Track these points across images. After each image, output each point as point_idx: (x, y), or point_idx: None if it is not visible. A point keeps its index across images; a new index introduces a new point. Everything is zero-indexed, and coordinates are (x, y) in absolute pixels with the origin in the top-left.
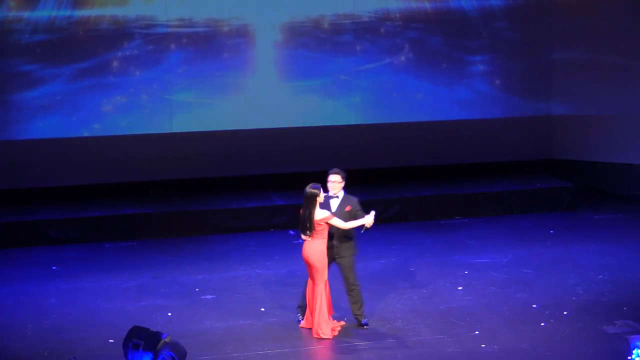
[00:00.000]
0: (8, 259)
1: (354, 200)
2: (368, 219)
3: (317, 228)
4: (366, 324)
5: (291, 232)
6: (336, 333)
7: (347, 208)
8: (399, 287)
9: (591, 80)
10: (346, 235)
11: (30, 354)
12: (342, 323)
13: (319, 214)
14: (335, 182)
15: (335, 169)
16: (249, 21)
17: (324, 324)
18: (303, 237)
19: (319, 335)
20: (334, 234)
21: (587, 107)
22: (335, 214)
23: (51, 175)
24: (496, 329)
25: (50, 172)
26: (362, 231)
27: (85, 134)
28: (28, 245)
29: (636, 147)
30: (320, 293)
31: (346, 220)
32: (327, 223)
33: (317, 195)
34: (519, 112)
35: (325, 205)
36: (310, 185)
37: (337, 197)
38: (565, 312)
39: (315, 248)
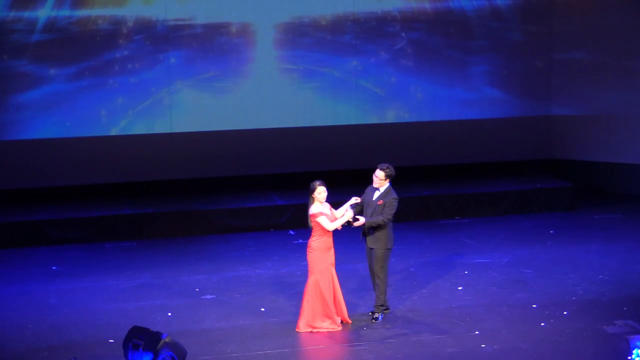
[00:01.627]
0: (8, 259)
1: (391, 197)
2: (347, 216)
3: (312, 223)
4: (376, 319)
5: (291, 232)
6: (308, 330)
7: (380, 202)
8: (399, 287)
9: (591, 80)
10: (377, 228)
11: (30, 354)
12: (325, 327)
13: (313, 209)
14: (377, 177)
15: (383, 165)
16: (249, 21)
17: (302, 315)
18: None
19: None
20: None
21: (587, 107)
22: (371, 203)
23: (51, 175)
24: (496, 329)
25: (50, 172)
26: (354, 227)
27: (85, 134)
28: (28, 245)
29: (636, 147)
30: (308, 286)
31: (379, 213)
32: (316, 221)
33: (312, 190)
34: (519, 112)
35: (369, 195)
36: (314, 181)
37: (379, 190)
38: (565, 312)
39: (309, 242)
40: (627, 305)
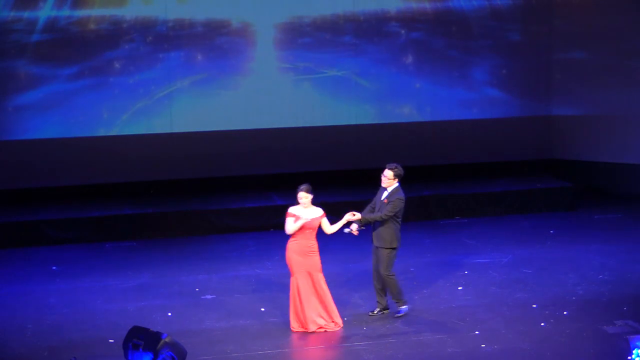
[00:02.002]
0: (8, 259)
1: (396, 196)
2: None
3: None
4: (399, 313)
5: None
6: (296, 329)
7: (385, 201)
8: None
9: (591, 80)
10: (382, 227)
11: (30, 354)
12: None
13: (290, 209)
14: (385, 177)
15: (392, 164)
16: (249, 21)
17: (291, 315)
18: None
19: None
20: (375, 224)
21: (587, 107)
22: (379, 203)
23: (51, 175)
24: (496, 329)
25: (51, 172)
26: (348, 231)
27: (85, 134)
28: (28, 245)
29: (636, 147)
30: (290, 286)
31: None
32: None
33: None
34: (519, 112)
35: (379, 195)
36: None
37: (387, 190)
38: (565, 312)
39: (287, 242)
40: (627, 305)
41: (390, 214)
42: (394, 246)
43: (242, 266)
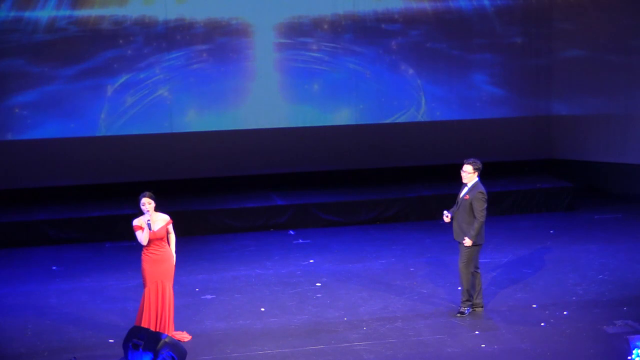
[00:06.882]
0: (8, 259)
1: (477, 191)
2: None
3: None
4: (462, 314)
5: (291, 232)
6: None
7: (466, 197)
8: (399, 287)
9: (591, 80)
10: (463, 222)
11: (30, 354)
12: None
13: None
14: (465, 171)
15: (469, 159)
16: (249, 21)
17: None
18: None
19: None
20: (457, 218)
21: (587, 107)
22: (459, 200)
23: (51, 175)
24: (496, 329)
25: (50, 172)
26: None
27: (85, 134)
28: (28, 245)
29: (636, 147)
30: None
31: (465, 208)
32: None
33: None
34: (519, 112)
35: (460, 193)
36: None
37: (467, 185)
38: (565, 312)
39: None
40: (627, 305)
41: (483, 212)
42: (477, 242)
43: (242, 266)
